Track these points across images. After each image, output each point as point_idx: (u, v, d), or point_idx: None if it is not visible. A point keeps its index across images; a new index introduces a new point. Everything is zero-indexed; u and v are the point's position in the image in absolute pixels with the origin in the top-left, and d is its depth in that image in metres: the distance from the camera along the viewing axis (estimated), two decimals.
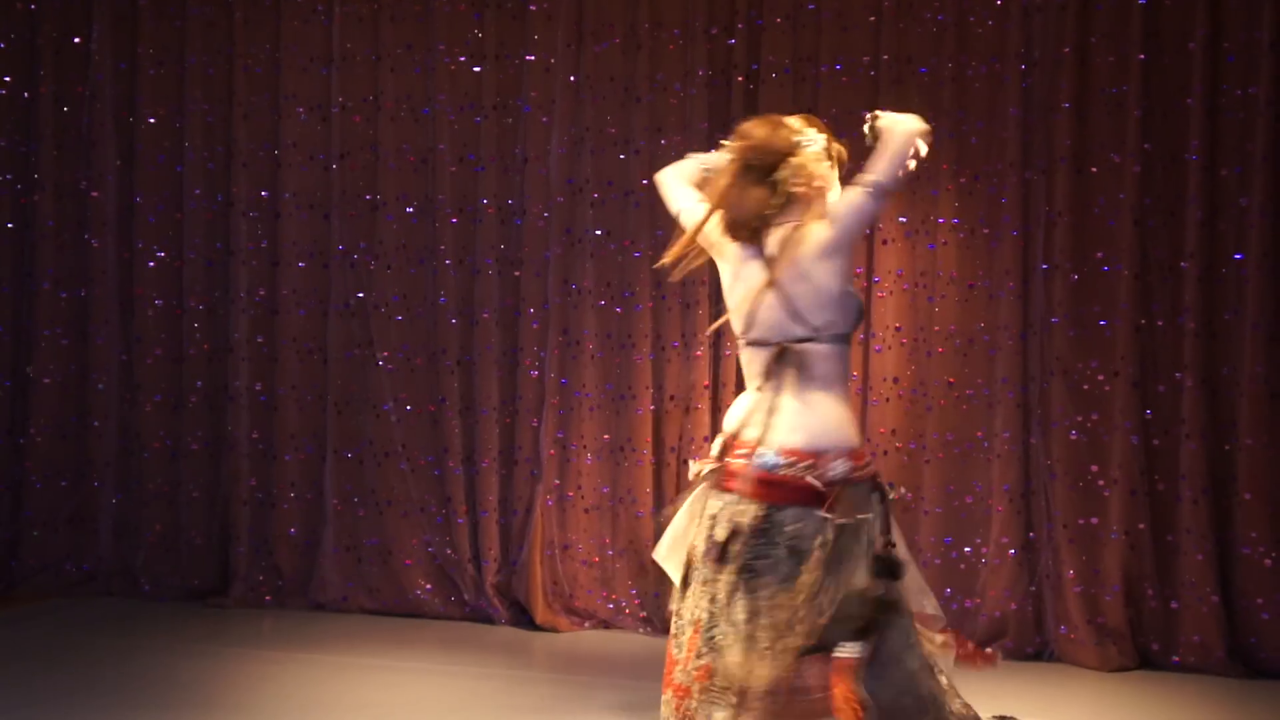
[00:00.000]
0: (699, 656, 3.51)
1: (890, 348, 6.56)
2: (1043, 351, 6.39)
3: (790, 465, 3.51)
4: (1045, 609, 6.38)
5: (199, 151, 7.25)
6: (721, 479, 3.60)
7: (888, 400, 6.58)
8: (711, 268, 6.85)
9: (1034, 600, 6.40)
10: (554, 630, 6.72)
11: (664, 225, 6.77)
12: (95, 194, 7.32)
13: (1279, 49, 6.09)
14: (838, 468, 3.55)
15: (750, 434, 3.58)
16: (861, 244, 6.58)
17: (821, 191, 3.69)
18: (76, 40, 7.34)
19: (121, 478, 7.35)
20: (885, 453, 6.57)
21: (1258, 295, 6.12)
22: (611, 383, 6.87)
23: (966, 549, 6.49)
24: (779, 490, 3.50)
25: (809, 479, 3.50)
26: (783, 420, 3.55)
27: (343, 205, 7.12)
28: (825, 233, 3.59)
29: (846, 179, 3.77)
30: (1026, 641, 6.36)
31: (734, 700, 3.46)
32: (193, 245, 7.26)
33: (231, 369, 7.19)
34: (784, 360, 3.58)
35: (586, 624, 6.81)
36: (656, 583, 6.76)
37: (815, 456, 3.53)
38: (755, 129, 3.71)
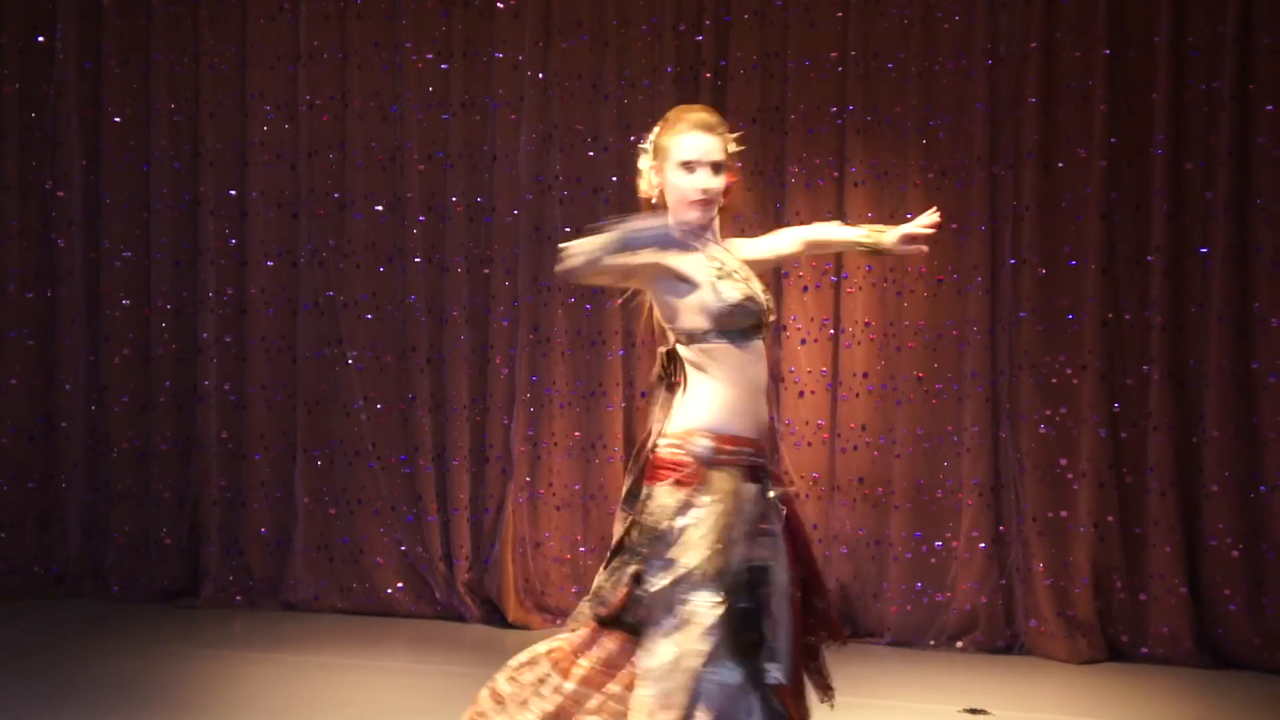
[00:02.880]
0: None
1: (860, 343, 6.58)
2: (1011, 346, 6.43)
3: None
4: (1015, 602, 6.41)
5: (165, 150, 7.22)
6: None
7: (857, 395, 6.60)
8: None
9: (1004, 593, 6.43)
10: (526, 628, 6.71)
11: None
12: (61, 194, 7.28)
13: (1242, 44, 6.14)
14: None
15: None
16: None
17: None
18: (40, 39, 7.28)
19: (90, 479, 7.30)
20: (855, 447, 6.59)
21: (1223, 288, 6.17)
22: (582, 380, 6.87)
23: (937, 543, 6.52)
24: None
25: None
26: None
27: (311, 204, 7.09)
28: None
29: None
30: (997, 634, 6.39)
31: None
32: (160, 245, 7.23)
33: (200, 369, 7.16)
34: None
35: (559, 621, 6.80)
36: None
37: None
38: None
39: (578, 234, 7.12)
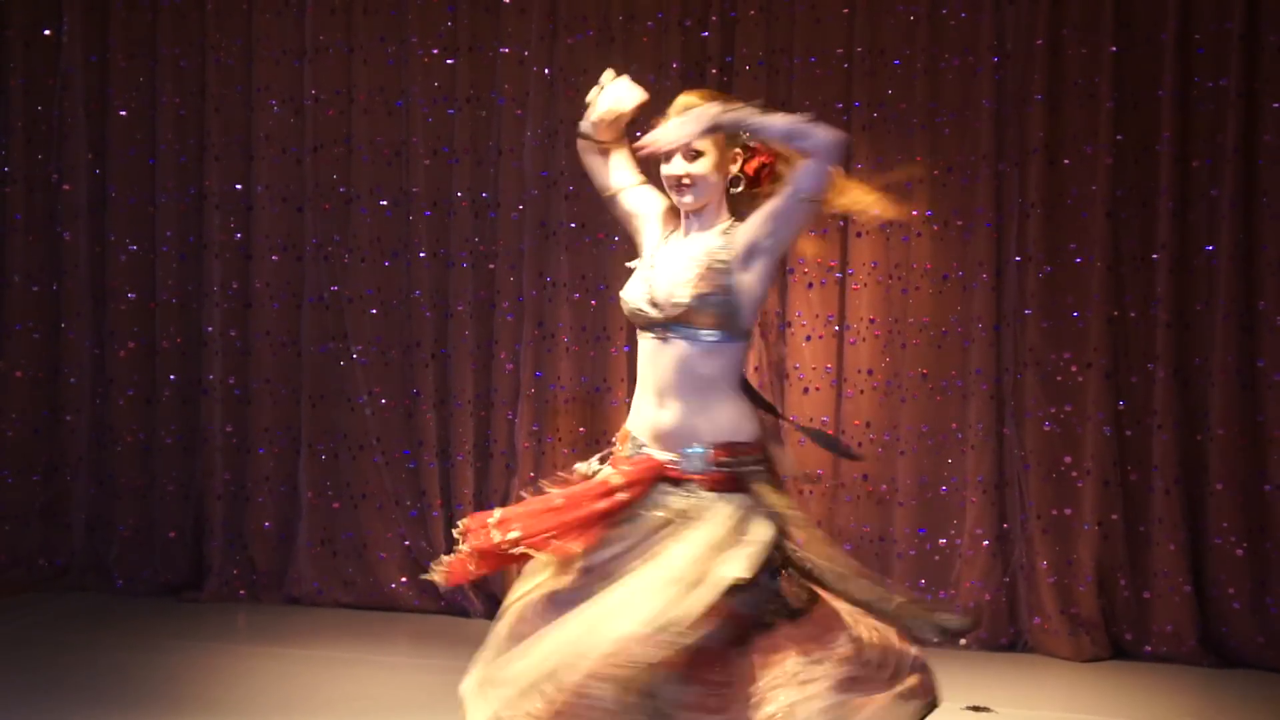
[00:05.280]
0: None
1: (864, 339, 6.58)
2: (1016, 343, 6.42)
3: None
4: (1019, 599, 6.41)
5: (171, 144, 7.22)
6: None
7: (862, 392, 6.60)
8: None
9: (1008, 591, 6.42)
10: None
11: None
12: (67, 187, 7.28)
13: (1249, 40, 6.13)
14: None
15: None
16: (835, 234, 6.61)
17: None
18: (47, 32, 7.28)
19: (94, 472, 7.31)
20: (859, 444, 6.59)
21: (1229, 286, 6.16)
22: (586, 375, 6.87)
23: (941, 540, 6.52)
24: None
25: None
26: None
27: (316, 198, 7.09)
28: None
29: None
30: (1000, 632, 6.39)
31: None
32: (165, 238, 7.23)
33: (205, 363, 7.16)
34: None
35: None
36: None
37: None
38: None
39: (582, 230, 7.17)
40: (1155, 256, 6.26)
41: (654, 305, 3.44)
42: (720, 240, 3.47)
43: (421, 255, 6.99)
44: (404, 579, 6.97)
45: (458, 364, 6.96)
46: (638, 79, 6.66)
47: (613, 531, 3.38)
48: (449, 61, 6.99)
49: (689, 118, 3.45)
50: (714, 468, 3.39)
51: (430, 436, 6.96)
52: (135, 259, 7.27)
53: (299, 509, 7.08)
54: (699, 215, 3.53)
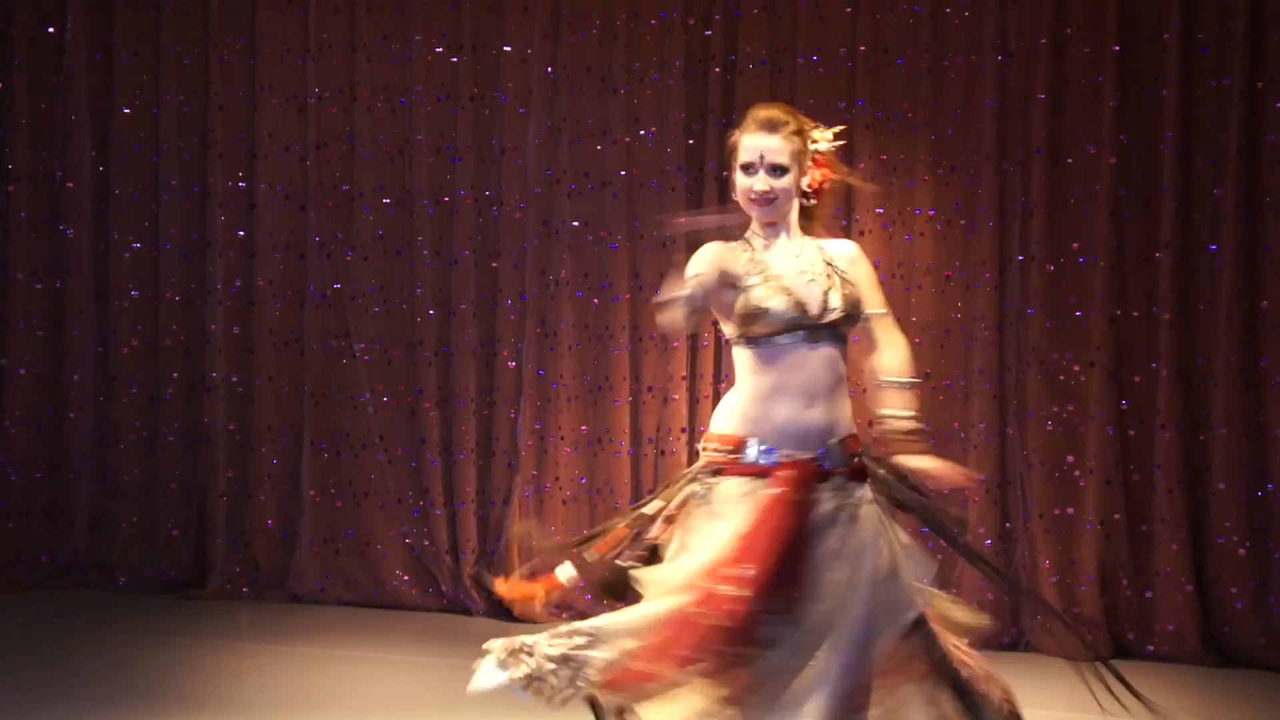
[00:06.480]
0: None
1: None
2: (1019, 342, 6.42)
3: None
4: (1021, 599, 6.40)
5: (174, 142, 7.23)
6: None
7: (864, 391, 6.57)
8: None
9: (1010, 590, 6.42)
10: (532, 622, 6.70)
11: (641, 216, 6.81)
12: (70, 184, 7.29)
13: (1253, 40, 6.12)
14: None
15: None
16: (837, 233, 6.60)
17: None
18: (50, 29, 7.29)
19: (97, 469, 7.32)
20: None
21: (1232, 285, 6.15)
22: (589, 374, 6.87)
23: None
24: None
25: None
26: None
27: (319, 196, 7.10)
28: None
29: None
30: (1003, 631, 6.38)
31: None
32: (169, 236, 7.24)
33: (208, 360, 7.17)
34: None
35: (564, 615, 6.79)
36: None
37: None
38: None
39: (585, 228, 7.15)
40: (1158, 256, 6.25)
41: (805, 312, 3.52)
42: (837, 257, 3.63)
43: (424, 254, 7.00)
44: (406, 576, 6.97)
45: (460, 362, 6.96)
46: (640, 77, 6.79)
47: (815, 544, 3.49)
48: (452, 59, 6.99)
49: (681, 298, 3.38)
50: (851, 458, 3.63)
51: (433, 434, 6.97)
52: (138, 256, 7.28)
53: (301, 507, 7.09)
54: (776, 228, 3.60)
